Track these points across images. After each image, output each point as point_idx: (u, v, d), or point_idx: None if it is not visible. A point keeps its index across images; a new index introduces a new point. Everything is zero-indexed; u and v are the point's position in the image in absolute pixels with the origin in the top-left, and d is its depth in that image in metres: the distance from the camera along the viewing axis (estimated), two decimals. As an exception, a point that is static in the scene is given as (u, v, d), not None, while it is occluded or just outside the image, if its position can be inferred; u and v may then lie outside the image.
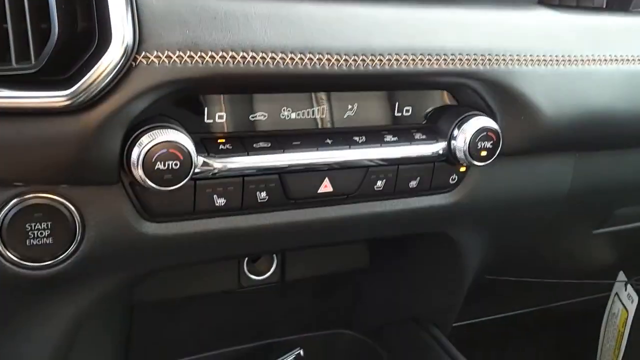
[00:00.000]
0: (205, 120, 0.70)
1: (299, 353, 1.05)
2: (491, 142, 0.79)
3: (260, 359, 1.05)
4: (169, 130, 0.62)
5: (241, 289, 1.00)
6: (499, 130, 0.79)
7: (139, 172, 0.62)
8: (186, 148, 0.63)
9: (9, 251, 0.63)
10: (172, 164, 0.62)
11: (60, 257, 0.65)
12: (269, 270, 1.01)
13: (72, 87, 0.56)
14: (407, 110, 0.80)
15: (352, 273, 1.10)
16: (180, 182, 0.63)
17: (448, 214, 0.87)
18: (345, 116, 0.77)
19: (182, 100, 0.67)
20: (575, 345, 1.59)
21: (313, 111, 0.75)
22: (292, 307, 1.11)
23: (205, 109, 0.69)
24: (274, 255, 1.01)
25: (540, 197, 0.94)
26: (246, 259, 0.99)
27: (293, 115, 0.74)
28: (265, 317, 1.10)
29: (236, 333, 1.08)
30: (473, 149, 0.79)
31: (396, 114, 0.80)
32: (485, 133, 0.78)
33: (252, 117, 0.72)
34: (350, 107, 0.77)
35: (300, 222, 0.77)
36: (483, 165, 0.80)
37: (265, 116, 0.72)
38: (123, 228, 0.67)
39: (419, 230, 0.89)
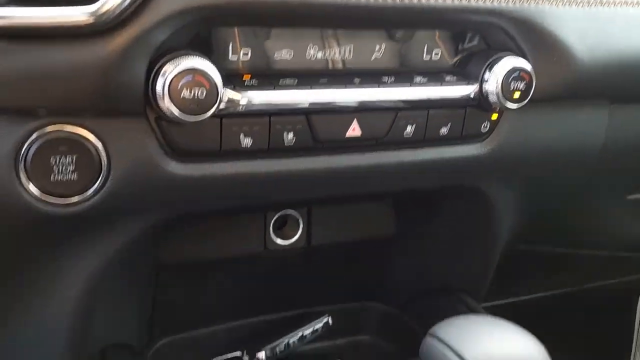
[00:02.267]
0: (230, 57, 0.68)
1: (327, 321, 1.02)
2: (524, 82, 0.77)
3: (287, 329, 1.03)
4: (194, 57, 0.61)
5: (267, 253, 0.98)
6: (532, 71, 0.77)
7: (164, 102, 0.61)
8: (212, 77, 0.61)
9: (33, 185, 0.61)
10: (198, 93, 0.61)
11: (86, 193, 0.63)
12: (295, 235, 0.99)
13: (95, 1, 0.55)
14: (437, 54, 0.78)
15: (380, 240, 1.07)
16: (207, 112, 0.62)
17: (480, 166, 0.85)
18: (372, 58, 0.75)
19: (207, 37, 0.66)
20: (608, 333, 1.54)
21: (340, 51, 0.73)
22: (318, 278, 1.08)
23: (230, 46, 0.68)
24: (300, 221, 0.99)
25: (574, 149, 0.91)
26: (272, 222, 0.97)
27: (319, 55, 0.72)
28: (291, 289, 1.07)
29: (261, 303, 1.05)
30: (506, 90, 0.76)
31: (425, 57, 0.78)
32: (517, 73, 0.76)
33: (278, 56, 0.70)
34: (377, 48, 0.75)
35: (328, 169, 0.75)
36: (516, 108, 0.78)
37: (291, 55, 0.71)
38: (149, 166, 0.65)
39: (450, 183, 0.86)
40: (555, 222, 1.13)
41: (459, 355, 0.52)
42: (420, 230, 1.03)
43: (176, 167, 0.67)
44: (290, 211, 0.98)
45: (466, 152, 0.83)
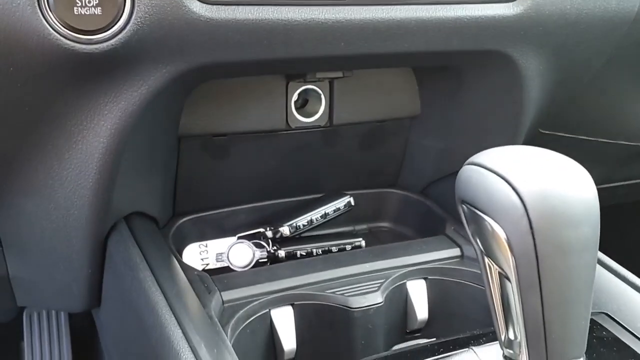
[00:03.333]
0: None
1: (350, 201, 1.02)
2: None
3: (309, 210, 1.02)
4: None
5: (289, 131, 0.96)
6: None
7: None
8: None
9: (57, 19, 0.60)
10: None
11: (110, 31, 0.62)
12: (317, 113, 0.98)
13: None
14: None
15: (403, 121, 1.05)
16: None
17: (510, 28, 0.82)
18: None
19: None
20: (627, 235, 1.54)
21: None
22: (340, 162, 1.07)
23: None
24: (322, 98, 0.97)
25: (606, 15, 0.88)
26: (294, 98, 0.95)
27: None
28: (313, 172, 1.07)
29: (283, 186, 1.05)
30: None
31: None
32: None
33: None
34: None
35: (354, 21, 0.73)
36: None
37: None
38: (173, 5, 0.63)
39: (477, 47, 0.84)
40: (577, 109, 1.11)
41: (504, 179, 0.51)
42: (444, 108, 1.01)
43: (201, 8, 0.65)
44: (312, 87, 0.96)
45: (497, 12, 0.80)
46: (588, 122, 1.16)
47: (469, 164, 0.55)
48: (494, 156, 0.53)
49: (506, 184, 0.50)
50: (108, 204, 0.79)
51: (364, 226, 1.15)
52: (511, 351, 0.54)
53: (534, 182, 0.49)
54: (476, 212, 0.53)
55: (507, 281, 0.52)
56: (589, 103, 1.11)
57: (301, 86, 0.95)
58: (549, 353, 0.52)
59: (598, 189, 0.51)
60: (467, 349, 0.62)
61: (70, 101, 0.68)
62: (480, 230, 0.53)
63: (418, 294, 0.92)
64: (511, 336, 0.54)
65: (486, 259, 0.54)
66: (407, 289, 0.91)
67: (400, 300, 0.91)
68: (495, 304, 0.54)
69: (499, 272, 0.52)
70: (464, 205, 0.55)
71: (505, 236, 0.50)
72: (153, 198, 0.90)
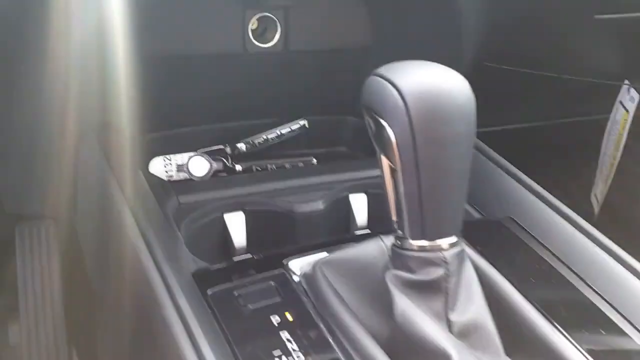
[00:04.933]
0: None
1: (304, 124, 1.11)
2: None
3: (263, 130, 1.11)
4: None
5: (247, 55, 1.05)
6: None
7: None
8: None
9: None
10: None
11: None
12: (273, 39, 1.06)
13: None
14: None
15: (356, 51, 1.13)
16: None
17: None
18: None
19: None
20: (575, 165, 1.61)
21: None
22: (298, 87, 1.16)
23: None
24: (278, 24, 1.05)
25: None
26: (251, 25, 1.03)
27: None
28: (271, 97, 1.15)
29: (243, 109, 1.14)
30: None
31: None
32: None
33: None
34: None
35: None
36: None
37: None
38: None
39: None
40: (521, 39, 1.18)
41: (393, 84, 0.60)
42: (393, 38, 1.09)
43: None
44: (268, 14, 1.04)
45: None
46: (533, 56, 1.24)
47: (371, 75, 0.64)
48: (391, 68, 0.63)
49: (394, 89, 0.59)
50: (78, 113, 0.88)
51: (321, 150, 1.24)
52: (400, 232, 0.65)
53: (416, 86, 0.59)
54: (374, 115, 0.62)
55: (395, 173, 0.62)
56: (532, 36, 1.18)
57: (257, 12, 1.03)
58: (425, 231, 0.63)
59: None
60: (376, 237, 0.73)
61: None
62: (378, 131, 0.63)
63: (359, 205, 1.03)
64: (399, 219, 0.64)
65: (382, 157, 0.63)
66: (349, 200, 1.02)
67: (342, 210, 1.01)
68: (388, 194, 0.65)
69: (390, 167, 0.62)
70: (366, 111, 0.64)
71: (392, 133, 0.60)
72: (122, 112, 1.00)
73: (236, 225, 0.95)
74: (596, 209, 1.42)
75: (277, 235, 0.97)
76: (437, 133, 0.58)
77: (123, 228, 0.84)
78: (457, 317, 0.65)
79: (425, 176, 0.59)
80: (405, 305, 0.63)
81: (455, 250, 0.66)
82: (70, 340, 1.50)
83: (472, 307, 0.66)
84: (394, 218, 0.65)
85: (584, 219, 0.89)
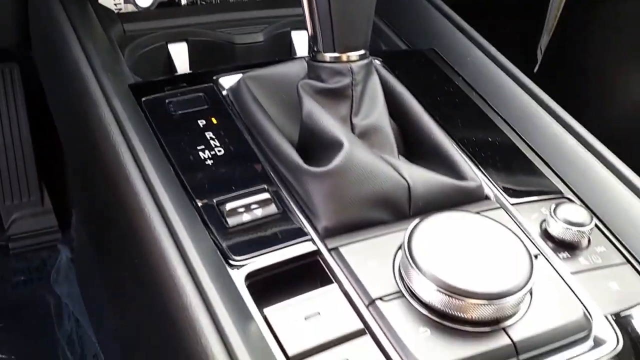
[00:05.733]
0: None
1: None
2: None
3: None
4: None
5: None
6: None
7: None
8: None
9: None
10: None
11: None
12: None
13: None
14: None
15: None
16: None
17: None
18: None
19: None
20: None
21: None
22: None
23: None
24: None
25: None
26: None
27: None
28: None
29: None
30: None
31: None
32: None
33: None
34: None
35: None
36: None
37: None
38: None
39: None
40: None
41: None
42: None
43: None
44: None
45: None
46: None
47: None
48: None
49: None
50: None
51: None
52: (315, 48, 0.72)
53: None
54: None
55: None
56: None
57: None
58: (335, 43, 0.70)
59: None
60: (301, 58, 0.80)
61: None
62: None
63: (301, 43, 1.08)
64: (313, 32, 0.71)
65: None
66: (291, 36, 1.07)
67: (283, 44, 1.07)
68: (305, 10, 0.71)
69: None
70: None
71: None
72: None
73: (179, 54, 1.00)
74: (539, 58, 1.48)
75: (218, 65, 1.03)
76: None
77: (71, 55, 0.90)
78: (359, 120, 0.74)
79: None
80: (312, 107, 0.71)
81: (363, 62, 0.73)
82: (41, 177, 1.61)
83: (374, 113, 0.74)
84: (310, 32, 0.72)
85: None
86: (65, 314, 1.44)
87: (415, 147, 0.78)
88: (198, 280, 0.59)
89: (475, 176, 0.74)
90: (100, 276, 1.15)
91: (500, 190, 0.76)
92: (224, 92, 0.82)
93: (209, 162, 0.72)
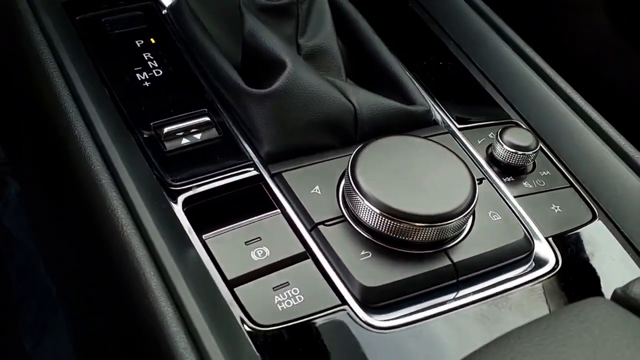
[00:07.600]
0: None
1: None
2: None
3: None
4: None
5: None
6: None
7: None
8: None
9: None
10: None
11: None
12: None
13: None
14: None
15: None
16: None
17: None
18: None
19: None
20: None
21: None
22: None
23: None
24: None
25: None
26: None
27: None
28: None
29: None
30: None
31: None
32: None
33: None
34: None
35: None
36: None
37: None
38: None
39: None
40: None
41: None
42: None
43: None
44: None
45: None
46: None
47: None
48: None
49: None
50: None
51: None
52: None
53: None
54: None
55: None
56: None
57: None
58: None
59: None
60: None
61: None
62: None
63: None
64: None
65: None
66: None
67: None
68: None
69: None
70: None
71: None
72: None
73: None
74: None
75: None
76: None
77: None
78: (305, 41, 0.71)
79: None
80: (254, 25, 0.68)
81: (308, -20, 0.69)
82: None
83: (321, 33, 0.71)
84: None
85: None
86: (15, 247, 1.41)
87: (364, 70, 0.76)
88: (132, 205, 0.57)
89: (424, 101, 0.72)
90: (48, 210, 1.12)
91: (449, 115, 0.75)
92: (164, 12, 0.78)
93: (147, 84, 0.69)
